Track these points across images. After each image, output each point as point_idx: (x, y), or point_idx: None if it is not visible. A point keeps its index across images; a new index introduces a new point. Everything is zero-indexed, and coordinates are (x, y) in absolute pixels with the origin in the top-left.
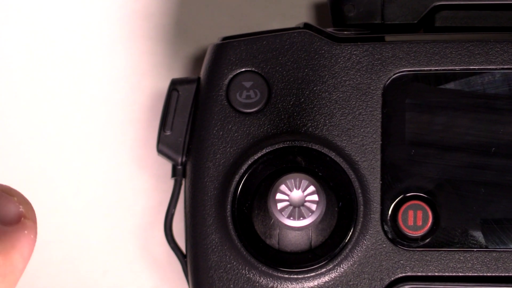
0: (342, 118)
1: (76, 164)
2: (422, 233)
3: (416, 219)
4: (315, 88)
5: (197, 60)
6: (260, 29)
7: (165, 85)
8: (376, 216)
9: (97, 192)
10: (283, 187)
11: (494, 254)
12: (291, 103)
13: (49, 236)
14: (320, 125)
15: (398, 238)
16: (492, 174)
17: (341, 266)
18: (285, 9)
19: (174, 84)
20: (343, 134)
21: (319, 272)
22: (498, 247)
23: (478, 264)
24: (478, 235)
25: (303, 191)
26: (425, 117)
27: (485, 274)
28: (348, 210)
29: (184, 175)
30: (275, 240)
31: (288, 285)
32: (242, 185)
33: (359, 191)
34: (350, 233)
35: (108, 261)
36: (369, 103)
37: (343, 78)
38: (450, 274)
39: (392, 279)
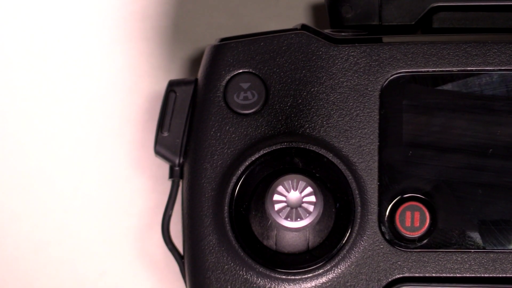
0: (339, 119)
1: (73, 165)
2: (419, 234)
3: (414, 220)
4: (312, 89)
5: (195, 62)
6: (258, 30)
7: (162, 87)
8: (373, 217)
9: (95, 193)
10: (280, 188)
11: (492, 255)
12: (288, 104)
13: (47, 237)
14: (317, 126)
15: (396, 239)
16: (489, 175)
17: (339, 267)
18: (282, 10)
19: (172, 86)
20: (340, 135)
21: (316, 273)
22: (495, 248)
23: (476, 265)
24: (476, 236)
25: (301, 192)
26: (423, 118)
27: (482, 275)
28: (345, 211)
29: (181, 176)
30: (273, 241)
31: (285, 286)
32: (239, 186)
33: (357, 192)
34: (348, 234)
35: (106, 262)
36: (366, 104)
37: (341, 79)
38: (448, 275)
39: (390, 280)
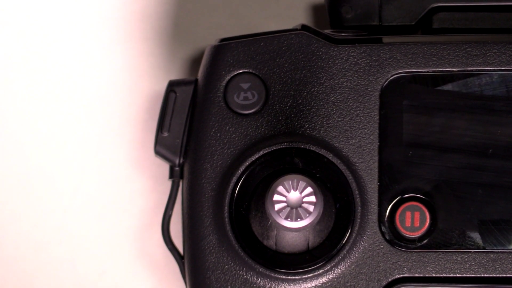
0: (339, 119)
1: (73, 165)
2: (419, 234)
3: (414, 220)
4: (312, 90)
5: (195, 62)
6: (258, 30)
7: (162, 87)
8: (373, 217)
9: (95, 193)
10: (280, 189)
11: (492, 255)
12: (288, 104)
13: (47, 237)
14: (317, 127)
15: (396, 239)
16: (489, 175)
17: (339, 267)
18: (282, 10)
19: (172, 86)
20: (340, 136)
21: (316, 273)
22: (495, 248)
23: (476, 265)
24: (476, 236)
25: (301, 193)
26: (423, 118)
27: (482, 275)
28: (345, 211)
29: (181, 177)
30: (273, 241)
31: (285, 286)
32: (239, 187)
33: (357, 192)
34: (348, 234)
35: (106, 262)
36: (366, 104)
37: (341, 80)
38: (448, 275)
39: (390, 280)
